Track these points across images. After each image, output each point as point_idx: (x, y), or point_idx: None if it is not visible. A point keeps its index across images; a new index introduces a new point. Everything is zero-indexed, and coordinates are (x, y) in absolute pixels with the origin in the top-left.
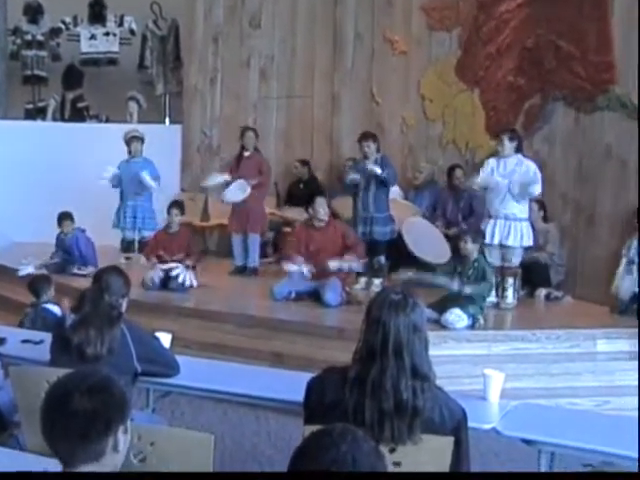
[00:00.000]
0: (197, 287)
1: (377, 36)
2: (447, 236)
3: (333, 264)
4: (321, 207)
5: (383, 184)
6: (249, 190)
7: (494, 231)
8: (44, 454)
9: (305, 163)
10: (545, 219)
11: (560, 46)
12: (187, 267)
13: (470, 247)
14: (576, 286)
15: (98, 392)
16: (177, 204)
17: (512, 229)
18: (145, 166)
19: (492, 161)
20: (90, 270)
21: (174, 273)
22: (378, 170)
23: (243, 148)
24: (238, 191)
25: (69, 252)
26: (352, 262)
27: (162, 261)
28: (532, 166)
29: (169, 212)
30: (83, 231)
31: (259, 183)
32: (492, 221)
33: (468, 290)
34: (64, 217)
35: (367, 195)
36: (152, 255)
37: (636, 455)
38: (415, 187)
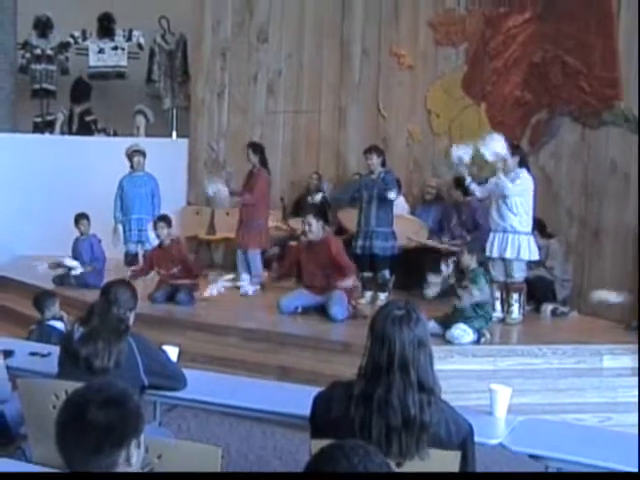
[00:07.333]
0: (203, 300)
1: (384, 51)
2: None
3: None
4: (307, 224)
5: (385, 198)
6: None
7: (493, 244)
8: (51, 466)
9: (320, 176)
10: (545, 234)
11: (567, 61)
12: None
13: (466, 258)
14: (582, 301)
15: (114, 405)
16: (163, 218)
17: (510, 242)
18: (148, 181)
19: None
20: (83, 270)
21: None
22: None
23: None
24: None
25: (80, 255)
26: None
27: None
28: (524, 179)
29: (155, 227)
30: (99, 241)
31: (247, 200)
32: (492, 234)
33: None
34: (80, 217)
35: (369, 209)
36: (142, 274)
37: None
38: (423, 202)
